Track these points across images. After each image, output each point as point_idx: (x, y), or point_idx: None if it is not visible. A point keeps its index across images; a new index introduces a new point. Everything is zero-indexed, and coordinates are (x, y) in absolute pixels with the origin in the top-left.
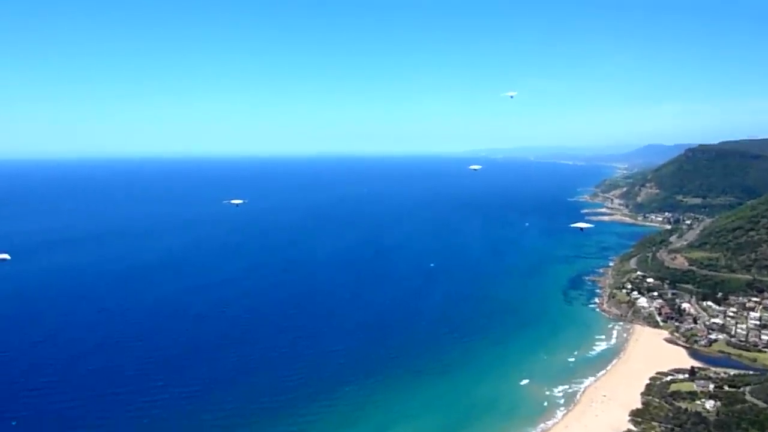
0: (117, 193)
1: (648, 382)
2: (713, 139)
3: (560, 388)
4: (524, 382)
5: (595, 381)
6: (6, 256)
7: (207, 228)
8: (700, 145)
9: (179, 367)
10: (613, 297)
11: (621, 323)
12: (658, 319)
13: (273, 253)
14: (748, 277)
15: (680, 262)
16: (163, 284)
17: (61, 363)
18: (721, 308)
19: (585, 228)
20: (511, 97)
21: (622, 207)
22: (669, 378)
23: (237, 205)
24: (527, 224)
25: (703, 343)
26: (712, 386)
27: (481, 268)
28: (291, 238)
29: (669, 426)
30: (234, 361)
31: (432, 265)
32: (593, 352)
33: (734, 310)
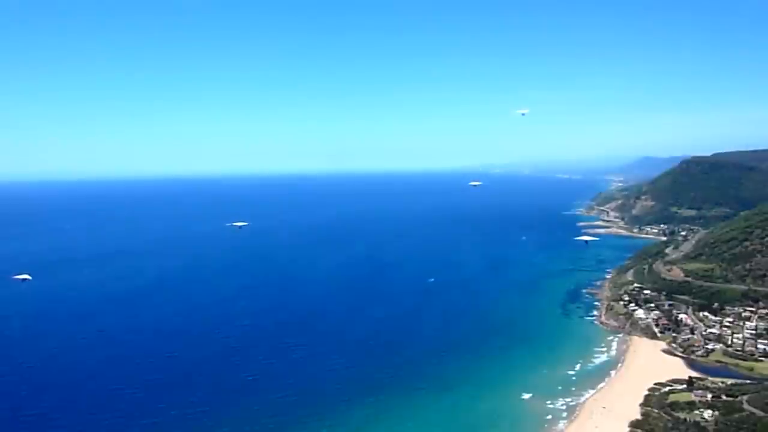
0: (119, 213)
1: (647, 393)
2: (707, 150)
3: (561, 401)
4: (526, 396)
5: (595, 393)
6: (27, 276)
7: (206, 248)
8: (695, 157)
9: (178, 388)
10: (611, 309)
11: (619, 335)
12: (656, 330)
13: (272, 271)
14: (743, 287)
15: (676, 273)
16: (163, 304)
17: (61, 386)
18: (718, 318)
19: (589, 241)
20: (523, 114)
21: (618, 219)
22: (667, 389)
23: (240, 227)
24: (524, 238)
25: (700, 353)
26: (709, 396)
27: (479, 282)
28: (290, 256)
29: None
30: (233, 381)
31: (431, 279)
32: (592, 365)
33: (730, 320)
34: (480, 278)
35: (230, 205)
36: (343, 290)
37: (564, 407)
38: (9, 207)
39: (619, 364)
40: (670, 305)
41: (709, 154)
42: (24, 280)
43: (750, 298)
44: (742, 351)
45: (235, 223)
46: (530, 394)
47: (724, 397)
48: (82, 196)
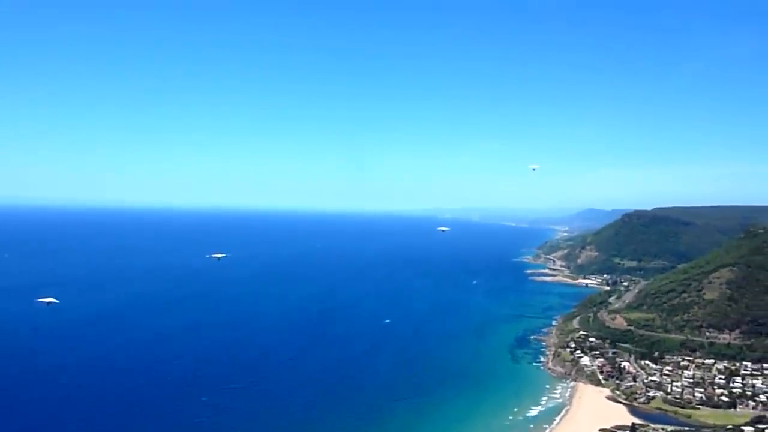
0: (70, 245)
1: None
2: (647, 204)
3: None
4: None
5: None
6: (53, 299)
7: (147, 283)
8: (636, 211)
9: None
10: (558, 356)
11: (566, 381)
12: (600, 377)
13: (223, 309)
14: (682, 337)
15: (620, 322)
16: (97, 342)
17: None
18: (658, 367)
19: (590, 284)
20: (534, 169)
21: (563, 268)
22: None
23: (219, 258)
24: (475, 282)
25: (642, 400)
26: None
27: (433, 325)
28: (243, 293)
29: None
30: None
31: (387, 321)
32: (541, 410)
33: (670, 368)
34: (433, 320)
35: (211, 237)
36: (299, 330)
37: None
38: None
39: (566, 410)
40: (614, 353)
41: (649, 208)
42: (49, 303)
43: (688, 348)
44: (681, 399)
45: (214, 255)
46: None
47: None
48: (44, 224)
